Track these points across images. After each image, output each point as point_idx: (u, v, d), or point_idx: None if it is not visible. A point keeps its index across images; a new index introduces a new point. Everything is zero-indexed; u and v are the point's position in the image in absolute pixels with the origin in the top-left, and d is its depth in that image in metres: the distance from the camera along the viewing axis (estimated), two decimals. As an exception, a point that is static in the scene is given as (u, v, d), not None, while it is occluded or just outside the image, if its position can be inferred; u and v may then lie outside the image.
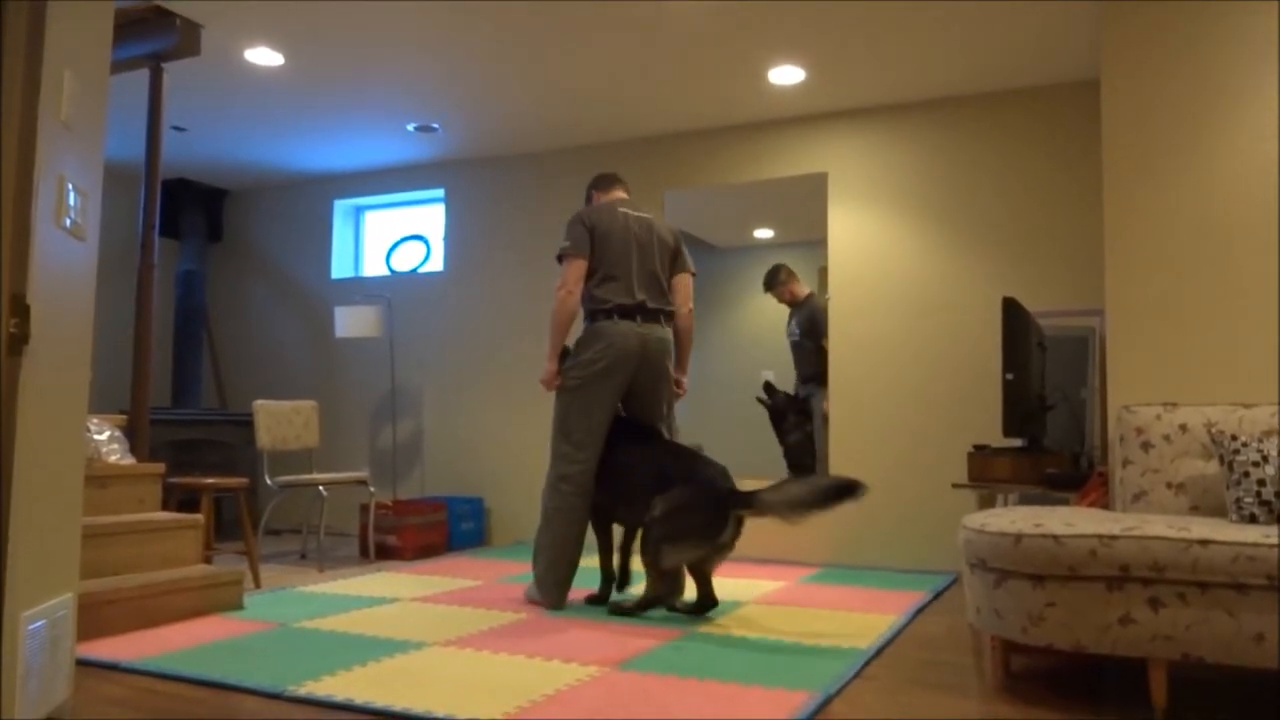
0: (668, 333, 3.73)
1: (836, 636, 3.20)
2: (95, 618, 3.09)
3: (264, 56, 4.51)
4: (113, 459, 3.72)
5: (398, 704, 2.36)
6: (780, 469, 5.25)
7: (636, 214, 3.76)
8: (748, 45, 4.35)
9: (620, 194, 3.89)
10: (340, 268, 6.69)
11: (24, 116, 1.90)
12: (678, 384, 3.84)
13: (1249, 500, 2.68)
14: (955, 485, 3.93)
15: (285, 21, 4.14)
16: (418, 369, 6.26)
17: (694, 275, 3.86)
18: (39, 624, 2.01)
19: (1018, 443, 4.17)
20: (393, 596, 3.93)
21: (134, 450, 3.94)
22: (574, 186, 5.85)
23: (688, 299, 3.82)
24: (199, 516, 3.75)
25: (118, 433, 3.83)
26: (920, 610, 3.73)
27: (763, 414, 5.31)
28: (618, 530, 3.85)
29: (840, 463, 5.07)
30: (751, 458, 5.31)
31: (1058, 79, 4.72)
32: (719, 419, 5.41)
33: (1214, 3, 3.36)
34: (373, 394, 6.39)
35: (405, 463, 6.23)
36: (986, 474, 3.75)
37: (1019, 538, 2.47)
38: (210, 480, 4.18)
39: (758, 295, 5.38)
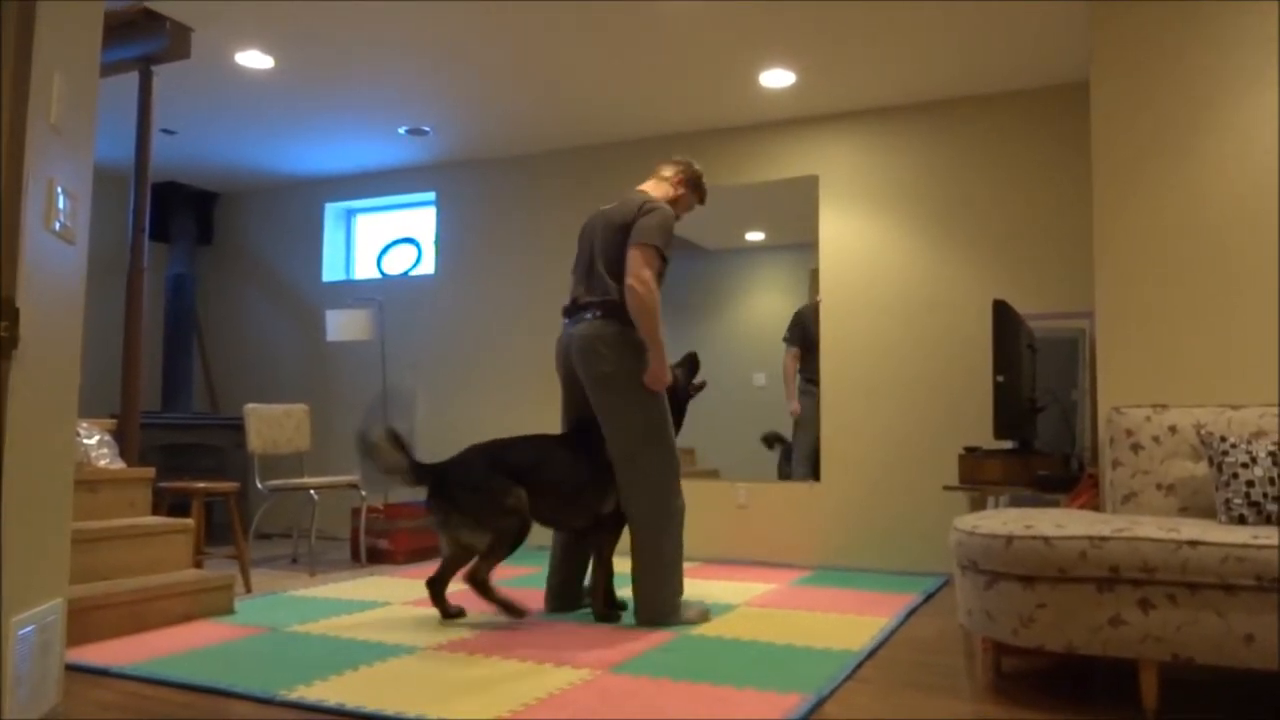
0: (593, 325, 3.39)
1: (828, 638, 3.20)
2: (85, 623, 3.07)
3: (254, 59, 4.50)
4: (103, 463, 3.70)
5: (389, 708, 2.36)
6: (776, 469, 5.25)
7: (612, 206, 3.55)
8: (738, 48, 4.36)
9: (636, 188, 3.68)
10: (331, 271, 6.67)
11: (13, 119, 1.89)
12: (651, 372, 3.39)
13: (1238, 501, 2.70)
14: (946, 487, 3.94)
15: (276, 24, 4.14)
16: (409, 372, 6.25)
17: (647, 246, 3.36)
18: (28, 629, 2.00)
19: (1009, 445, 4.19)
20: (384, 600, 3.92)
21: (124, 454, 3.92)
22: (566, 189, 5.85)
23: (629, 271, 3.34)
24: (189, 521, 3.74)
25: (108, 437, 3.82)
26: (912, 612, 3.73)
27: (757, 416, 5.31)
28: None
29: (832, 465, 5.08)
30: (746, 460, 5.32)
31: (1048, 81, 4.74)
32: (711, 421, 5.41)
33: (1205, 3, 3.38)
34: (364, 397, 6.38)
35: (397, 466, 6.21)
36: (977, 476, 3.76)
37: (1010, 539, 2.48)
38: (201, 484, 4.16)
39: (749, 297, 5.39)
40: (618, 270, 3.41)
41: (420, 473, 3.40)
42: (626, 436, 3.38)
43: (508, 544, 3.36)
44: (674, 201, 3.65)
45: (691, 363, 3.81)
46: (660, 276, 3.44)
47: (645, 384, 3.38)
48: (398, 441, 3.40)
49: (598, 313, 3.42)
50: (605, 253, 3.45)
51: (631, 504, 3.38)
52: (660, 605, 3.36)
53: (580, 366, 3.42)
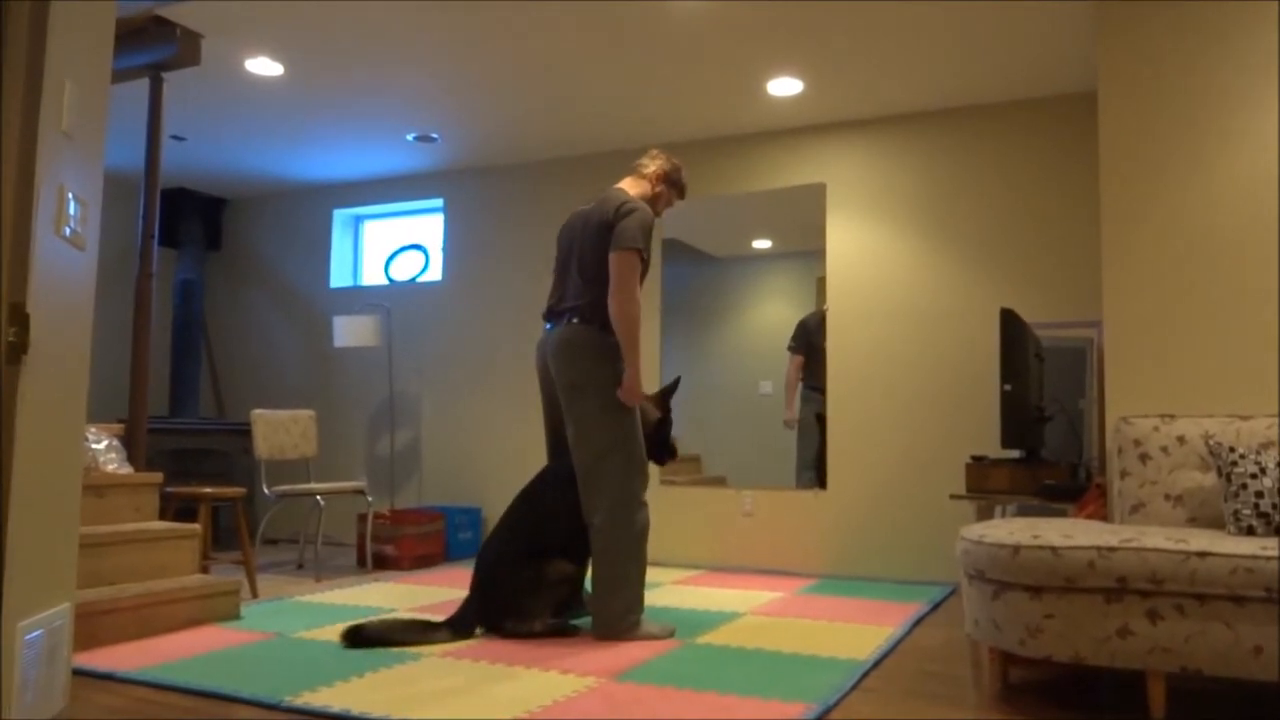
0: (570, 330, 3.34)
1: (834, 647, 3.19)
2: (92, 627, 3.08)
3: (264, 66, 4.52)
4: (110, 468, 3.72)
5: (395, 714, 2.36)
6: (782, 476, 5.24)
7: (590, 206, 3.48)
8: (746, 57, 4.36)
9: (615, 185, 3.58)
10: (339, 277, 6.69)
11: (24, 126, 1.90)
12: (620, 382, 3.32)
13: (1247, 512, 2.68)
14: (953, 496, 3.92)
15: (285, 31, 4.16)
16: (416, 378, 6.26)
17: (631, 251, 3.27)
18: (36, 634, 2.00)
19: (1016, 454, 4.18)
20: (390, 607, 3.92)
21: (131, 459, 3.93)
22: (572, 196, 5.86)
23: (612, 280, 3.27)
24: (196, 526, 3.75)
25: (115, 442, 3.83)
26: (918, 622, 3.72)
27: (763, 424, 5.31)
28: None
29: (838, 473, 5.07)
30: (749, 465, 5.31)
31: (1056, 91, 4.74)
32: (717, 428, 5.41)
33: (1212, 11, 3.38)
34: (370, 403, 6.39)
35: (403, 472, 6.23)
36: (984, 485, 3.75)
37: (1017, 549, 2.47)
38: (208, 489, 4.17)
39: (756, 305, 5.39)
40: (595, 273, 3.34)
41: (463, 621, 3.32)
42: (592, 445, 3.29)
43: (568, 598, 3.40)
44: (653, 199, 3.57)
45: (668, 392, 3.70)
46: (641, 278, 3.36)
47: (618, 394, 3.30)
48: (405, 626, 3.28)
49: (574, 317, 3.36)
50: (583, 254, 3.39)
51: (592, 513, 3.30)
52: (610, 618, 3.25)
53: (555, 371, 3.37)
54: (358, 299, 6.49)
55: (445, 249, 6.28)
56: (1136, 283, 3.41)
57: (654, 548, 5.40)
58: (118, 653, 3.02)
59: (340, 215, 6.72)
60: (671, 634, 3.35)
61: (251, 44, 4.29)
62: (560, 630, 3.36)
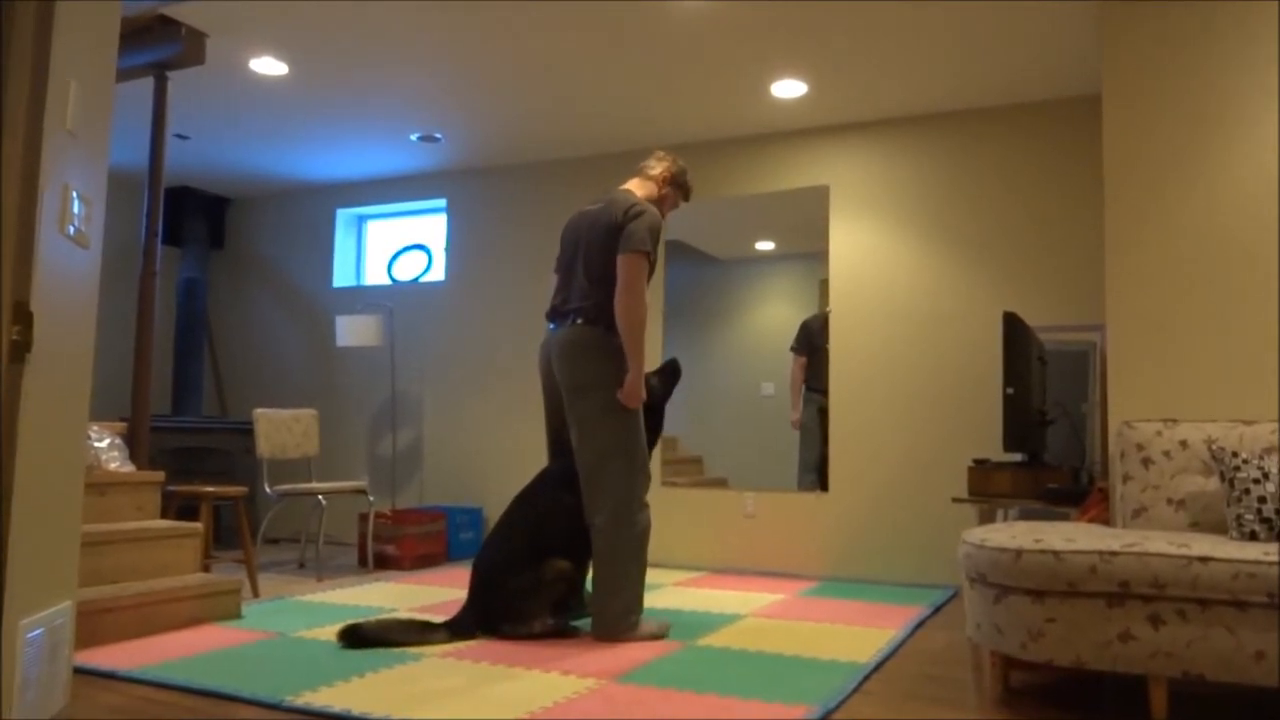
0: (575, 331, 3.35)
1: (835, 650, 3.19)
2: (93, 626, 3.08)
3: (268, 66, 4.53)
4: (112, 466, 3.72)
5: (395, 714, 2.36)
6: (783, 478, 5.24)
7: (597, 206, 3.46)
8: (750, 58, 4.36)
9: (622, 185, 3.60)
10: (342, 277, 6.69)
11: (29, 124, 1.91)
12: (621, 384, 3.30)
13: (1249, 517, 2.68)
14: (955, 500, 3.92)
15: (290, 31, 4.16)
16: (418, 378, 6.26)
17: (640, 254, 3.28)
18: (37, 632, 2.00)
19: (1018, 457, 4.17)
20: (391, 607, 3.92)
21: (134, 458, 3.93)
22: (575, 197, 5.86)
23: (620, 282, 3.27)
24: (198, 525, 3.75)
25: (118, 440, 3.83)
26: (920, 625, 3.72)
27: (765, 425, 5.31)
28: None
29: (840, 476, 5.07)
30: (751, 467, 5.31)
31: (1059, 94, 4.74)
32: (719, 430, 5.41)
33: (1215, 13, 3.37)
34: (373, 403, 6.39)
35: (404, 472, 6.23)
36: (987, 488, 3.75)
37: (1019, 553, 2.47)
38: (209, 488, 4.17)
39: (759, 307, 5.38)
40: (602, 273, 3.35)
41: (462, 625, 3.31)
42: (595, 446, 3.30)
43: (565, 596, 3.39)
44: (659, 201, 3.59)
45: (671, 371, 3.70)
46: (647, 280, 3.38)
47: (619, 396, 3.29)
48: (403, 626, 3.27)
49: (579, 318, 3.37)
50: (589, 255, 3.38)
51: (595, 514, 3.29)
52: (610, 619, 3.26)
53: (559, 372, 3.37)
54: (360, 299, 6.50)
55: (448, 249, 6.29)
56: (1140, 286, 3.40)
57: (655, 549, 5.39)
58: (119, 651, 3.02)
59: (343, 215, 6.73)
60: (666, 630, 3.36)
61: (256, 43, 4.30)
62: (559, 631, 3.35)
